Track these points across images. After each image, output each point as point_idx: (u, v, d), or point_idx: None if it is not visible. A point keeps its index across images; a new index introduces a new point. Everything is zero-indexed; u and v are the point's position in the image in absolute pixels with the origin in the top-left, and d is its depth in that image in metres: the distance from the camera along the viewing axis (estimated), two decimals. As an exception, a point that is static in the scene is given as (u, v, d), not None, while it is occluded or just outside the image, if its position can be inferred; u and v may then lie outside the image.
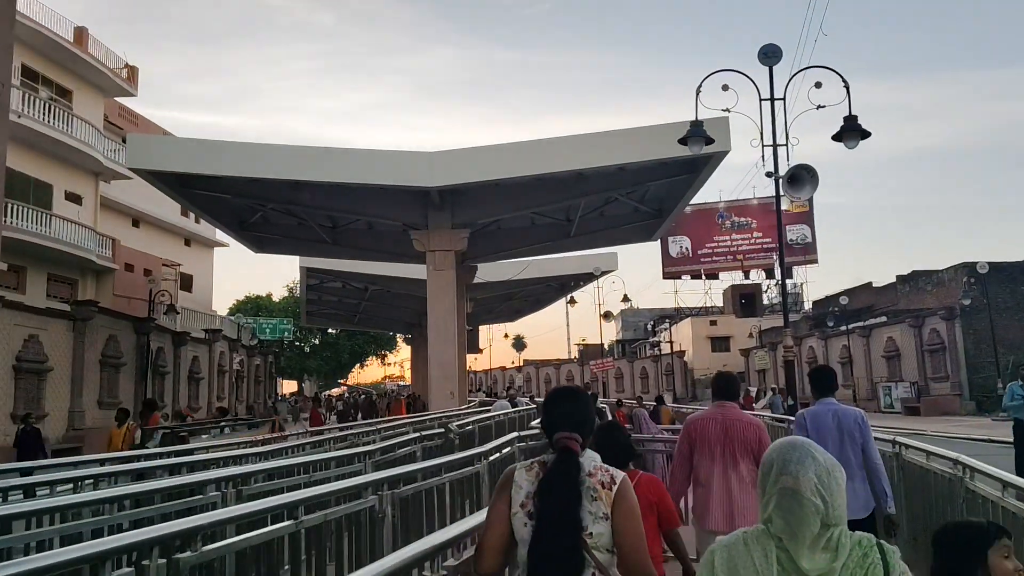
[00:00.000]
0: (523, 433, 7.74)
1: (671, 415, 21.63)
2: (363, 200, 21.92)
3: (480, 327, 49.16)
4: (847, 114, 11.88)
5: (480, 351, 79.10)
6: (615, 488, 2.35)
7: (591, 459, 2.42)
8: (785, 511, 1.78)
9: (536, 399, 27.42)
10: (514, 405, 23.76)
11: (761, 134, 13.37)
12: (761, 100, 13.48)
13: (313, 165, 20.28)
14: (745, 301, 50.26)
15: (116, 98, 30.15)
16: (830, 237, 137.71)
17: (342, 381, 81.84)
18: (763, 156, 13.55)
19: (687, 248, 54.82)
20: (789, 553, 1.76)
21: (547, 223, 25.50)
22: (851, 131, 11.99)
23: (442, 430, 8.60)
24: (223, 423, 13.97)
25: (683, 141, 13.37)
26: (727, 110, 13.76)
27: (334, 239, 26.22)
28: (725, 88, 13.77)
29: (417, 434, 8.12)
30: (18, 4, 23.94)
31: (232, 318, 41.66)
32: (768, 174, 13.42)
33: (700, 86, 13.38)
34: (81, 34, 26.44)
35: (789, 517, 1.77)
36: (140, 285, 28.04)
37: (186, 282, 37.49)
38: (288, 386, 77.62)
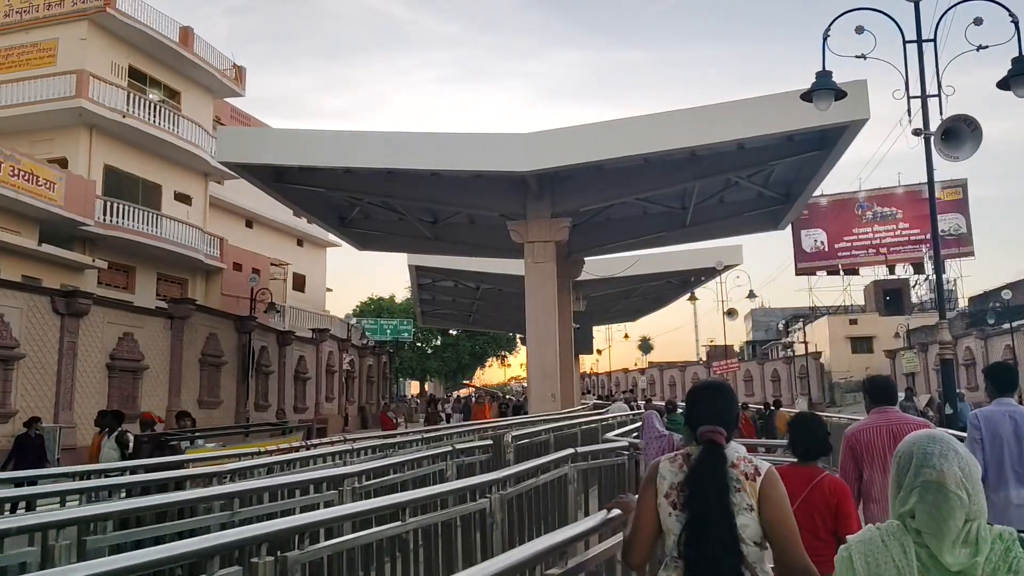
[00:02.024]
0: (585, 449, 6.03)
1: (787, 420, 19.29)
2: (459, 189, 20.63)
3: (596, 327, 47.20)
4: (1017, 55, 9.46)
5: (599, 352, 77.20)
6: (759, 479, 2.38)
7: (735, 450, 2.45)
8: (930, 505, 1.76)
9: (654, 403, 25.43)
10: (630, 408, 21.97)
11: (906, 83, 11.01)
12: (905, 42, 11.13)
13: (405, 152, 19.13)
14: (890, 298, 46.11)
15: (226, 99, 30.37)
16: (985, 226, 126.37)
17: (467, 382, 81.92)
18: (908, 110, 11.18)
19: (822, 242, 50.91)
20: (929, 549, 1.76)
21: (660, 212, 23.39)
22: (1022, 75, 9.56)
23: (487, 442, 7.01)
24: (240, 431, 12.94)
25: (807, 97, 11.12)
26: (862, 56, 11.42)
27: (436, 234, 25.14)
28: (860, 31, 11.47)
29: (448, 447, 6.57)
30: (125, 5, 24.33)
31: (344, 318, 41.69)
32: (916, 131, 11.03)
33: (828, 30, 11.14)
34: (187, 34, 26.61)
35: (934, 511, 1.75)
36: (248, 284, 27.97)
37: (298, 282, 37.65)
38: (412, 387, 78.52)
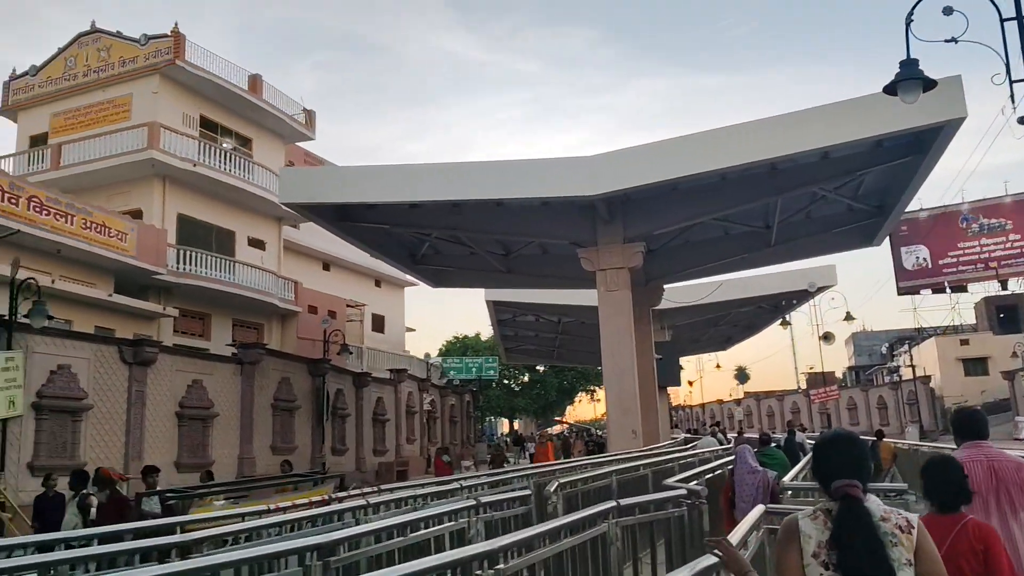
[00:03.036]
0: (631, 500, 4.97)
1: (892, 451, 17.41)
2: (526, 218, 19.84)
3: (684, 357, 45.39)
4: None
5: (691, 384, 74.57)
6: (915, 532, 2.34)
7: (876, 504, 2.39)
8: None
9: (746, 435, 23.75)
10: (723, 442, 20.48)
11: (1007, 66, 9.60)
12: (1003, 20, 9.74)
13: (469, 182, 18.51)
14: (1004, 315, 42.77)
15: (298, 143, 30.67)
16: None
17: (558, 419, 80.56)
18: (1012, 97, 9.74)
19: (925, 258, 47.79)
20: None
21: (742, 232, 21.99)
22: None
23: (524, 492, 6.02)
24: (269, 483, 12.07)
25: (891, 90, 9.82)
26: (953, 40, 10.06)
27: (508, 267, 24.40)
28: (948, 12, 10.13)
29: (472, 501, 5.59)
30: (195, 57, 24.81)
31: (423, 358, 41.32)
32: (1021, 120, 9.59)
33: (911, 14, 9.87)
34: (256, 82, 26.99)
35: None
36: (334, 327, 27.84)
37: (378, 323, 37.51)
38: (502, 426, 77.71)
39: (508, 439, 58.11)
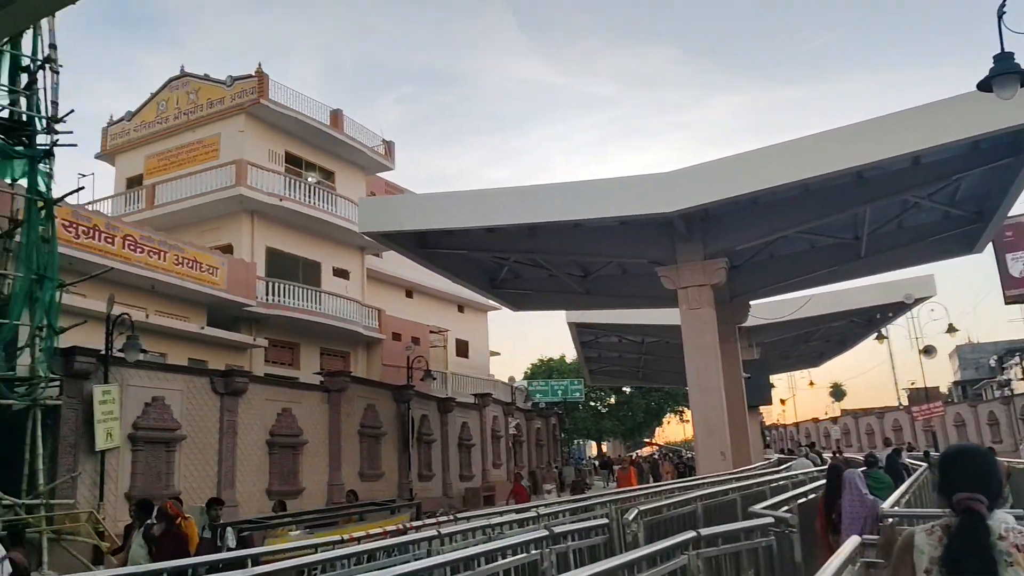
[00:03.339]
0: (713, 530, 4.68)
1: (1006, 470, 16.29)
2: (603, 239, 19.60)
3: (775, 375, 43.95)
4: None
5: (783, 403, 72.08)
6: None
7: (1001, 520, 2.26)
8: None
9: (844, 456, 22.72)
10: (817, 463, 19.58)
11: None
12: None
13: (544, 205, 18.42)
14: None
15: (378, 174, 31.31)
16: None
17: (647, 440, 79.22)
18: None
19: (1033, 265, 45.02)
20: None
21: (829, 244, 21.18)
22: None
23: (600, 521, 5.76)
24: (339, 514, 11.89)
25: (986, 86, 9.26)
26: (1054, 27, 9.41)
27: (587, 288, 24.18)
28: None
29: (543, 532, 5.37)
30: (278, 95, 25.65)
31: (507, 382, 41.26)
32: None
33: (1003, 6, 9.29)
34: (336, 116, 27.73)
35: None
36: (417, 353, 28.13)
37: (462, 348, 37.71)
38: (591, 448, 76.86)
39: (595, 462, 57.43)
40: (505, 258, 22.51)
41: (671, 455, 49.92)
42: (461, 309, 38.18)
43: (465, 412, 29.03)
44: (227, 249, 24.12)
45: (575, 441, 70.81)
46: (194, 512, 15.92)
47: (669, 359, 40.73)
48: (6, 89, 14.58)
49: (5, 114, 14.36)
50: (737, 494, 9.32)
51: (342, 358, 27.44)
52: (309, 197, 26.02)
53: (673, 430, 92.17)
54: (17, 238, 14.11)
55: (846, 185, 17.10)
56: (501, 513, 8.06)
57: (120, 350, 14.93)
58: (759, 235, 18.74)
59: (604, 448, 74.71)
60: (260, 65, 25.26)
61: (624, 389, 64.39)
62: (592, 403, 65.48)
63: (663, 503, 7.45)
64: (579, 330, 35.16)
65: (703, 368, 18.06)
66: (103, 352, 14.83)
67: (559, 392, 52.76)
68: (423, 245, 20.98)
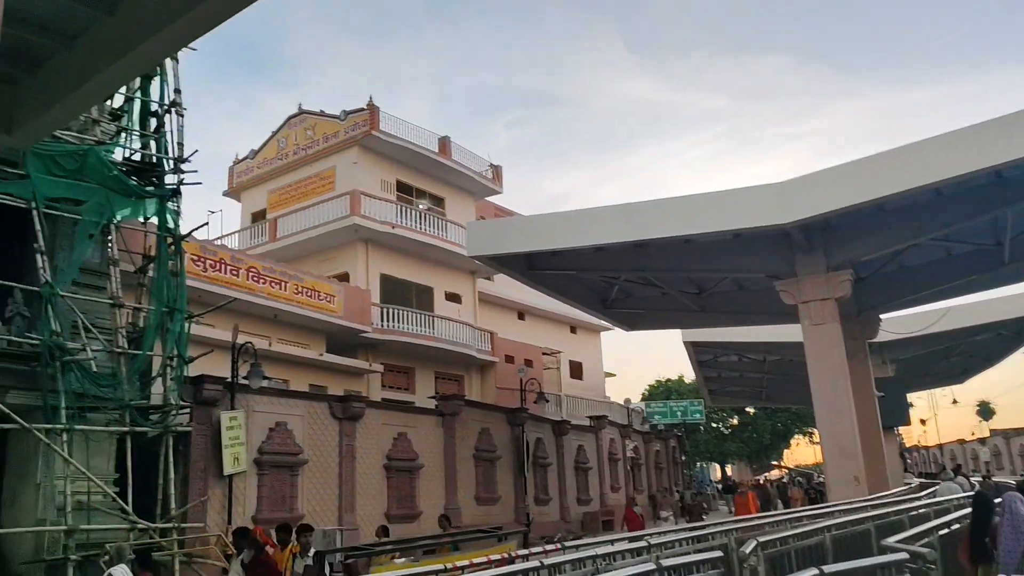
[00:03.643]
0: (837, 568, 4.22)
1: None
2: (716, 254, 18.95)
3: (913, 393, 41.29)
4: None
5: (923, 423, 67.56)
6: None
7: None
8: None
9: (994, 479, 21.10)
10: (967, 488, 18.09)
11: None
12: None
13: (653, 221, 18.01)
14: None
15: (487, 198, 31.61)
16: None
17: (775, 463, 76.12)
18: None
19: None
20: None
21: (967, 251, 19.73)
22: None
23: (714, 553, 5.33)
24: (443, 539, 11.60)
25: None
26: None
27: (702, 306, 23.46)
28: None
29: (652, 565, 4.97)
30: (388, 126, 26.33)
31: (623, 403, 40.50)
32: None
33: None
34: (445, 144, 28.22)
35: None
36: (529, 376, 28.07)
37: (576, 370, 37.35)
38: (714, 471, 74.54)
39: (718, 486, 55.51)
40: (615, 277, 22.14)
41: (800, 479, 47.62)
42: (573, 330, 37.87)
43: (581, 435, 28.64)
44: (343, 277, 24.85)
45: (697, 464, 68.89)
46: (316, 535, 16.33)
47: (794, 378, 38.94)
48: (138, 133, 15.58)
49: (137, 157, 15.31)
50: (871, 524, 8.58)
51: (456, 382, 27.66)
52: (420, 224, 26.53)
53: (803, 452, 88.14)
54: (150, 273, 14.93)
55: (984, 187, 15.86)
56: (612, 542, 7.72)
57: (245, 377, 15.49)
58: (887, 244, 17.63)
59: (729, 471, 72.22)
60: (371, 98, 26.08)
61: (748, 409, 62.22)
62: (714, 424, 63.61)
63: (787, 533, 6.90)
64: (696, 349, 34.20)
65: (830, 387, 17.06)
66: (229, 380, 15.42)
67: (678, 413, 51.41)
68: (532, 267, 20.91)
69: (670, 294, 22.97)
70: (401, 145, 26.62)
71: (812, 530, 7.40)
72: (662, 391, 62.94)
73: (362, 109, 26.25)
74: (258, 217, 28.62)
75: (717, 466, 72.78)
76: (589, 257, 19.99)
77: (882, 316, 22.87)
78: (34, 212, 12.77)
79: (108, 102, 16.65)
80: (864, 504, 12.10)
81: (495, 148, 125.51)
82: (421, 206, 27.94)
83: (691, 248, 18.96)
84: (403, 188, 27.56)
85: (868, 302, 21.34)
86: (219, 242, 26.35)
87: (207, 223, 16.09)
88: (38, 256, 12.71)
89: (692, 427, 56.03)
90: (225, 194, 30.30)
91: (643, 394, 63.90)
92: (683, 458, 46.82)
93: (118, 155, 14.90)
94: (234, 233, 27.90)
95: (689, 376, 64.93)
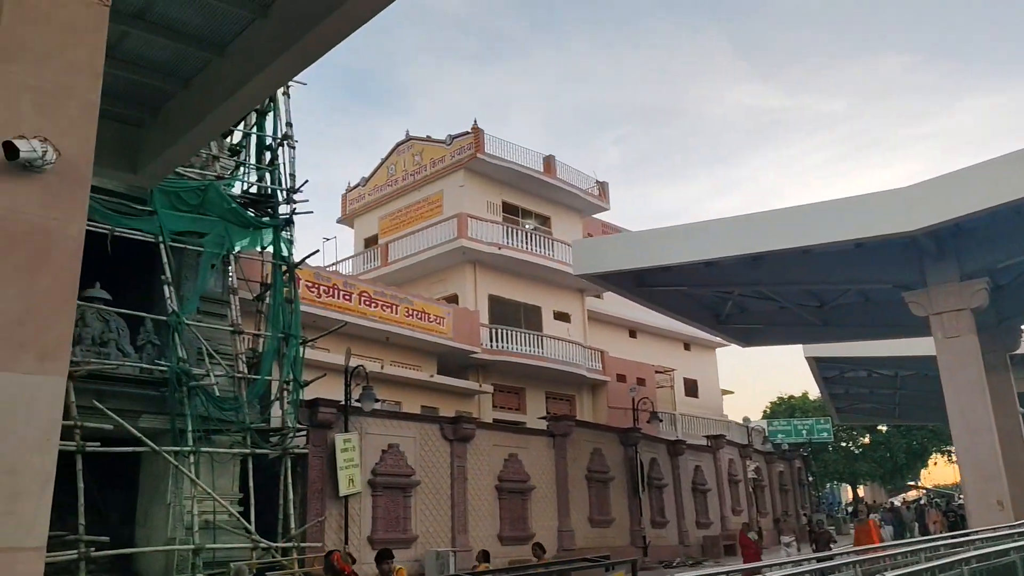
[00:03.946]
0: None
1: None
2: (836, 265, 18.01)
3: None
4: None
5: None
6: None
7: None
8: None
9: None
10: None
11: None
12: None
13: (768, 233, 17.30)
14: None
15: (594, 215, 31.35)
16: None
17: (912, 484, 71.76)
18: None
19: None
20: None
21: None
22: None
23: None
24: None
25: None
26: None
27: (824, 319, 22.35)
28: None
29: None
30: (493, 148, 26.55)
31: (742, 422, 39.05)
32: None
33: None
34: (549, 163, 28.22)
35: None
36: (641, 395, 27.55)
37: (690, 388, 36.36)
38: (846, 493, 71.05)
39: (848, 508, 52.77)
40: (729, 292, 21.41)
41: (938, 501, 44.56)
42: (687, 347, 36.92)
43: (697, 455, 27.79)
44: (453, 299, 25.14)
45: (827, 485, 65.80)
46: (429, 557, 16.43)
47: (929, 394, 36.52)
48: (254, 166, 16.31)
49: (253, 189, 16.02)
50: (1017, 556, 7.77)
51: (567, 401, 27.42)
52: (527, 243, 26.57)
53: (941, 472, 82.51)
54: (267, 300, 15.51)
55: None
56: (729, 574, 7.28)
57: (357, 400, 15.82)
58: (1027, 248, 16.27)
59: (861, 492, 68.57)
60: (475, 121, 26.39)
61: (880, 427, 59.00)
62: (843, 443, 60.68)
63: (920, 567, 6.30)
64: (820, 365, 32.61)
65: (968, 404, 15.82)
66: (343, 403, 15.79)
67: (803, 432, 49.25)
68: (641, 284, 20.51)
69: (788, 308, 22.03)
70: (506, 166, 26.80)
71: (949, 563, 6.74)
72: (785, 408, 60.63)
73: (467, 133, 26.61)
74: (370, 243, 29.42)
75: (848, 487, 69.34)
76: (701, 272, 19.41)
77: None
78: (161, 246, 13.50)
79: (227, 139, 17.57)
80: (1009, 532, 11.06)
81: (604, 164, 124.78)
82: (528, 226, 27.99)
83: (810, 260, 18.10)
84: (509, 208, 27.72)
85: (1009, 311, 19.77)
86: (334, 268, 27.22)
87: (318, 251, 16.61)
88: (165, 287, 13.39)
89: (819, 446, 53.59)
90: (339, 221, 31.35)
91: (764, 412, 61.72)
92: (810, 479, 44.71)
93: (236, 188, 15.64)
94: (348, 259, 28.77)
95: (814, 392, 62.20)
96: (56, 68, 4.61)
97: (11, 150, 4.17)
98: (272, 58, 8.12)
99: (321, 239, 34.69)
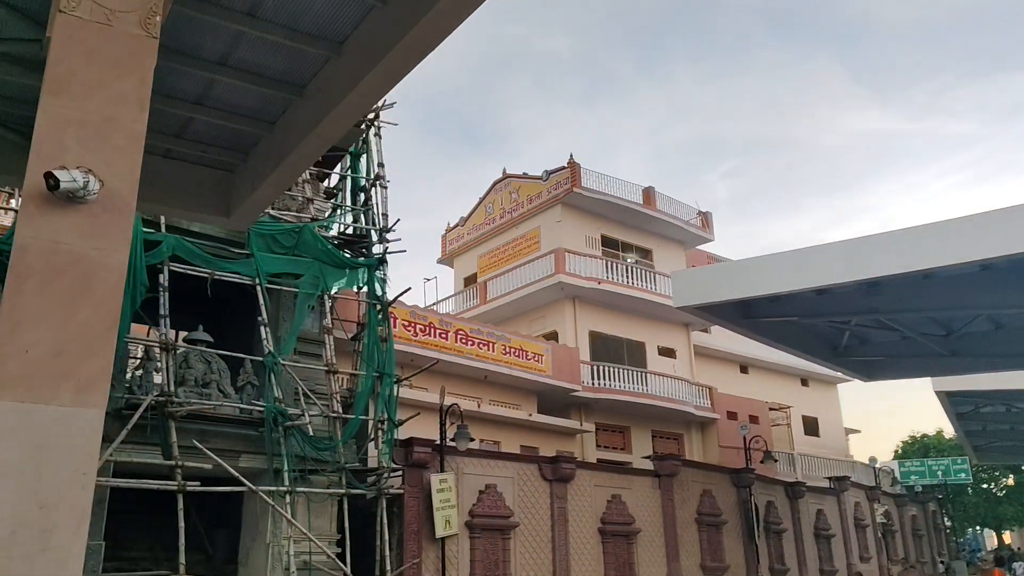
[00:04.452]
0: None
1: None
2: (962, 289, 16.59)
3: None
4: None
5: None
6: None
7: None
8: None
9: None
10: None
11: None
12: None
13: (883, 257, 16.11)
14: None
15: (698, 247, 30.44)
16: None
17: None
18: None
19: None
20: None
21: None
22: None
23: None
24: None
25: None
26: None
27: (952, 349, 20.61)
28: None
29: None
30: (591, 182, 26.23)
31: (868, 462, 36.51)
32: None
33: None
34: (649, 194, 27.63)
35: None
36: (753, 433, 26.23)
37: (810, 426, 34.40)
38: (990, 539, 65.76)
39: (990, 556, 48.58)
40: (844, 322, 20.07)
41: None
42: (805, 383, 35.05)
43: (819, 498, 26.08)
44: (553, 336, 24.76)
45: (968, 531, 61.00)
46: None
47: (1080, 430, 33.36)
48: (349, 208, 16.60)
49: (349, 230, 16.27)
50: None
51: (675, 440, 26.38)
52: (627, 277, 25.98)
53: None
54: (363, 340, 15.60)
55: None
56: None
57: (452, 439, 15.58)
58: None
59: (1008, 538, 63.22)
60: (571, 156, 26.19)
61: (1024, 468, 54.46)
62: (984, 485, 56.28)
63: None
64: (951, 399, 30.19)
65: None
66: (438, 442, 15.58)
67: (938, 473, 45.89)
68: (747, 316, 19.50)
69: (912, 338, 20.45)
70: (603, 199, 26.42)
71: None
72: (918, 448, 56.96)
73: (563, 168, 26.44)
74: (470, 281, 29.52)
75: (993, 533, 64.12)
76: (812, 301, 18.27)
77: None
78: (258, 288, 13.79)
79: (324, 182, 18.00)
80: None
81: (713, 199, 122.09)
82: (629, 259, 27.41)
83: (932, 284, 16.74)
84: (608, 243, 27.25)
85: None
86: (435, 307, 27.40)
87: (410, 288, 16.67)
88: (262, 328, 13.65)
89: (957, 488, 49.85)
90: (439, 262, 31.66)
91: (895, 451, 58.16)
92: (948, 524, 41.41)
93: (333, 230, 15.92)
94: (448, 298, 28.93)
95: (949, 431, 58.00)
96: (102, 99, 4.60)
97: (52, 180, 4.14)
98: (344, 94, 8.10)
99: (422, 280, 35.00)
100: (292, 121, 9.44)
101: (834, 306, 18.57)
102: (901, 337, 20.75)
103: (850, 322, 20.03)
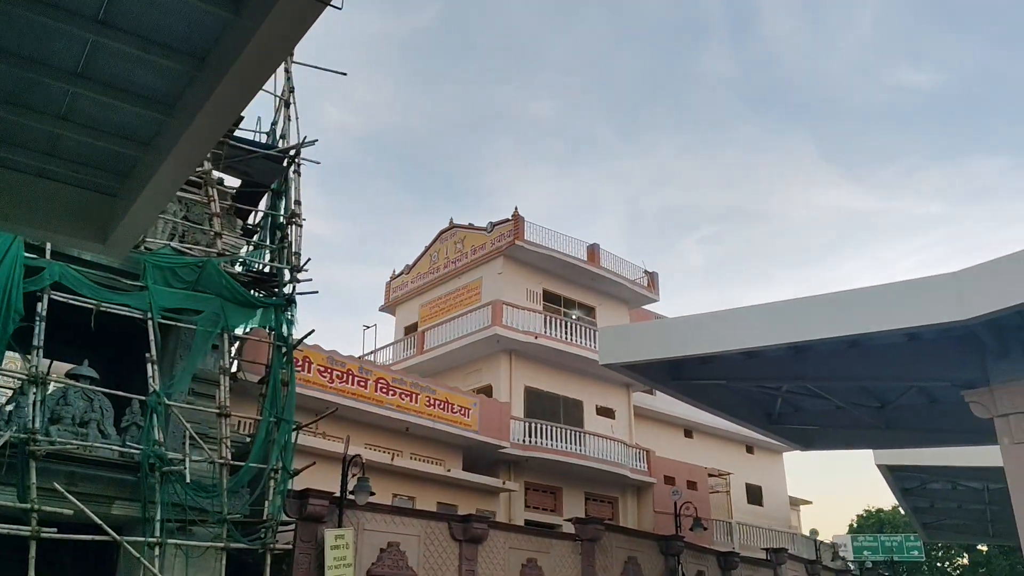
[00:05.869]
0: None
1: None
2: (888, 359, 16.21)
3: None
4: None
5: None
6: None
7: None
8: None
9: None
10: None
11: None
12: None
13: (808, 321, 15.73)
14: None
15: (643, 307, 30.11)
16: None
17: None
18: None
19: None
20: None
21: None
22: None
23: None
24: None
25: None
26: None
27: (886, 422, 20.21)
28: None
29: None
30: (535, 235, 25.92)
31: (809, 534, 35.82)
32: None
33: None
34: (593, 252, 27.39)
35: None
36: (685, 499, 25.52)
37: (753, 495, 33.72)
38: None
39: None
40: (775, 387, 19.65)
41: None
42: (750, 450, 34.50)
43: (754, 570, 25.27)
44: (487, 390, 24.10)
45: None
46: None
47: (1025, 510, 32.93)
48: (267, 247, 16.05)
49: (260, 268, 15.69)
50: None
51: (609, 504, 25.58)
52: (568, 334, 25.49)
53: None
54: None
55: None
56: None
57: (351, 492, 14.80)
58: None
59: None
60: (516, 209, 25.97)
61: (980, 547, 53.91)
62: (938, 563, 55.67)
63: None
64: (894, 474, 29.74)
65: (1044, 522, 13.60)
66: (337, 495, 14.79)
67: (892, 548, 45.23)
68: (677, 376, 19.01)
69: (845, 408, 20.05)
70: (546, 254, 26.10)
71: None
72: (873, 523, 56.39)
73: (507, 220, 26.16)
74: (411, 330, 28.91)
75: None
76: (740, 364, 17.80)
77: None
78: (149, 322, 13.10)
79: (246, 219, 17.44)
80: None
81: (689, 265, 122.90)
82: (574, 315, 26.97)
83: (859, 353, 16.36)
84: (551, 298, 26.85)
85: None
86: (372, 356, 26.67)
87: (313, 331, 16.01)
88: (149, 365, 12.93)
89: (912, 566, 49.17)
90: (381, 309, 31.02)
91: (850, 525, 57.54)
92: (895, 603, 40.63)
93: (239, 267, 15.33)
94: (386, 347, 28.24)
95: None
96: None
97: None
98: (207, 110, 7.64)
99: (361, 327, 34.33)
100: (162, 141, 8.93)
101: (764, 370, 18.10)
102: (835, 407, 20.35)
103: (781, 388, 19.59)
